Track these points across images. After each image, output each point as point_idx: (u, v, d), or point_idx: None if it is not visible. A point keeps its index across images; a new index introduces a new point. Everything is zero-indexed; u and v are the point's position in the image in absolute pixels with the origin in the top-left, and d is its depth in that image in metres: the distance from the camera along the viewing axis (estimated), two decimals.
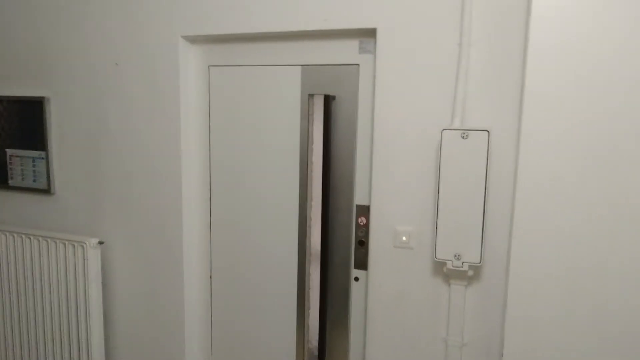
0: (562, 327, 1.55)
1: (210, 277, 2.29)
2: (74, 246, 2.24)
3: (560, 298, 1.54)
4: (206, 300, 2.31)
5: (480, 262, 1.67)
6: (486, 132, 1.62)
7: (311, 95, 2.00)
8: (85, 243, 2.21)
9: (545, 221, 1.53)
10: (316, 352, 2.14)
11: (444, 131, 1.67)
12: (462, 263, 1.70)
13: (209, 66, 2.15)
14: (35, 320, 2.36)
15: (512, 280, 1.57)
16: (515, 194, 1.56)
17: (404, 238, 1.85)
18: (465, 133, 1.65)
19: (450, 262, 1.71)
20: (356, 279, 2.03)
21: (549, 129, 1.49)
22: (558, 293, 1.54)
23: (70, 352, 2.30)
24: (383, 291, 1.90)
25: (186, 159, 2.18)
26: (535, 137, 1.51)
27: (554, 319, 1.56)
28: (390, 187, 1.85)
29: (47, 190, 2.42)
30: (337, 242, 2.05)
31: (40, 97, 2.36)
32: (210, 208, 2.24)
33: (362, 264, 2.01)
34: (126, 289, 2.35)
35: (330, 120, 1.99)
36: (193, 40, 2.13)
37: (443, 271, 1.79)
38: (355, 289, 2.04)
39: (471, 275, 1.74)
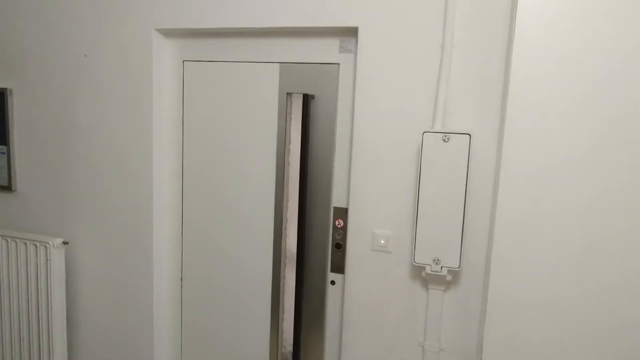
0: (542, 332, 1.54)
1: (181, 279, 2.21)
2: (36, 246, 2.13)
3: (541, 303, 1.53)
4: (176, 303, 2.23)
5: (459, 267, 1.65)
6: (467, 136, 1.60)
7: (289, 94, 1.96)
8: (48, 243, 2.10)
9: (527, 226, 1.52)
10: (290, 357, 2.09)
11: (425, 134, 1.64)
12: (441, 268, 1.68)
13: (183, 61, 2.08)
14: None
15: (492, 285, 1.56)
16: (497, 197, 1.55)
17: (382, 241, 1.82)
18: (446, 136, 1.62)
19: (429, 266, 1.69)
20: (332, 282, 1.99)
21: (532, 133, 1.48)
22: (539, 298, 1.53)
23: (30, 358, 2.19)
24: (360, 295, 1.87)
25: (158, 156, 2.09)
26: (518, 141, 1.49)
27: (534, 324, 1.55)
28: (369, 190, 1.81)
29: (7, 187, 2.29)
30: (314, 245, 2.00)
31: (2, 89, 2.24)
32: (182, 208, 2.16)
33: (338, 267, 1.97)
34: (92, 291, 2.25)
35: (309, 119, 1.94)
36: (167, 33, 2.05)
37: (421, 276, 1.76)
38: (332, 293, 1.99)
39: (449, 280, 1.72)
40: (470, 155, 1.62)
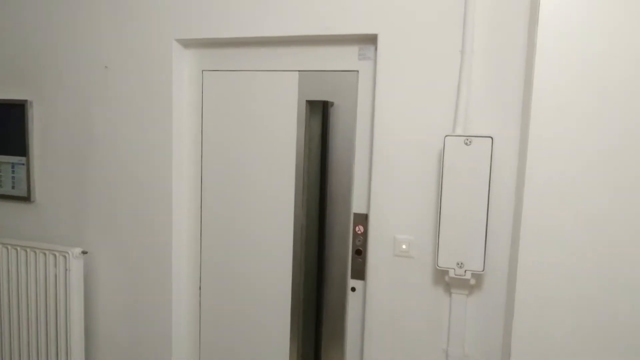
0: (569, 331, 1.53)
1: (200, 289, 2.20)
2: (55, 256, 2.13)
3: (569, 307, 1.52)
4: (195, 313, 2.22)
5: (483, 270, 1.65)
6: (489, 139, 1.61)
7: (309, 102, 1.98)
8: (67, 253, 2.11)
9: (554, 228, 1.51)
10: None
11: (447, 137, 1.65)
12: (465, 271, 1.67)
13: (202, 71, 2.10)
14: (11, 334, 2.23)
15: (520, 285, 1.55)
16: (522, 200, 1.55)
17: (404, 247, 1.82)
18: (468, 139, 1.63)
19: (453, 270, 1.68)
20: (353, 289, 1.98)
21: (556, 135, 1.49)
22: (567, 302, 1.52)
23: None
24: (381, 302, 1.86)
25: (177, 166, 2.11)
26: (543, 143, 1.50)
27: (560, 324, 1.54)
28: (390, 195, 1.82)
29: (27, 198, 2.31)
30: (334, 252, 2.00)
31: (23, 100, 2.27)
32: (201, 217, 2.16)
33: (359, 273, 1.97)
34: (110, 301, 2.25)
35: (328, 126, 1.96)
36: (187, 44, 2.09)
37: (444, 280, 1.76)
38: (352, 300, 1.99)
39: (473, 284, 1.71)
40: (492, 158, 1.63)
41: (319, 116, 1.97)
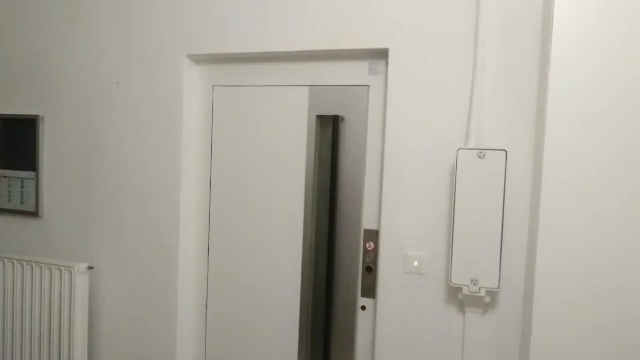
0: (588, 349, 1.47)
1: (206, 307, 2.16)
2: (60, 271, 2.11)
3: (589, 327, 1.46)
4: (200, 332, 2.17)
5: (498, 287, 1.60)
6: (503, 152, 1.58)
7: (319, 117, 1.96)
8: (73, 268, 2.08)
9: (571, 243, 1.47)
10: None
11: (460, 150, 1.62)
12: (479, 288, 1.62)
13: (213, 86, 2.10)
14: (13, 349, 2.18)
15: (537, 302, 1.49)
16: (538, 213, 1.51)
17: (416, 263, 1.77)
18: (481, 152, 1.60)
19: (467, 287, 1.63)
20: (363, 307, 1.93)
21: (573, 144, 1.46)
22: (588, 321, 1.46)
23: None
24: (392, 320, 1.80)
25: (185, 184, 2.09)
26: (558, 153, 1.47)
27: (582, 349, 1.47)
28: (401, 210, 1.78)
29: (35, 213, 2.30)
30: (343, 269, 1.96)
31: (34, 116, 2.28)
32: (209, 233, 2.14)
33: (369, 291, 1.91)
34: (115, 318, 2.20)
35: (339, 141, 1.94)
36: (198, 59, 2.09)
37: (458, 298, 1.70)
38: (362, 319, 1.93)
39: (487, 302, 1.66)
40: (506, 171, 1.60)
41: (329, 131, 1.96)
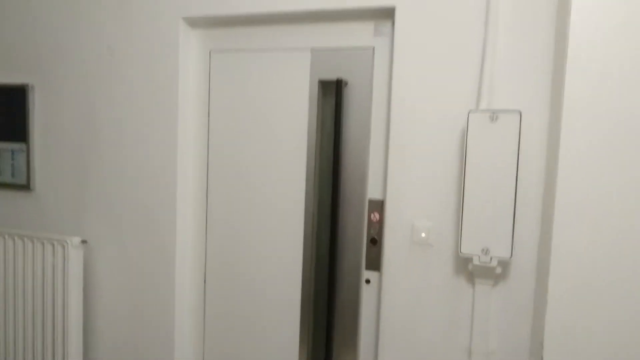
0: (610, 331, 1.39)
1: (205, 282, 2.08)
2: (53, 245, 2.03)
3: (608, 297, 1.38)
4: (199, 307, 2.10)
5: (510, 257, 1.51)
6: (518, 113, 1.49)
7: (321, 82, 1.87)
8: (66, 242, 2.00)
9: (592, 206, 1.38)
10: None
11: (471, 113, 1.53)
12: (491, 258, 1.54)
13: (210, 51, 2.00)
14: (6, 325, 2.12)
15: (554, 273, 1.41)
16: (555, 177, 1.42)
17: (423, 234, 1.69)
18: (494, 115, 1.51)
19: (477, 257, 1.55)
20: (367, 281, 1.85)
21: (594, 101, 1.36)
22: (606, 291, 1.38)
23: None
24: (398, 294, 1.72)
25: (182, 152, 2.00)
26: (578, 112, 1.38)
27: (600, 322, 1.40)
28: (408, 179, 1.69)
29: (26, 186, 2.21)
30: (347, 241, 1.88)
31: (24, 84, 2.18)
32: (207, 205, 2.05)
33: (374, 264, 1.83)
34: (110, 293, 2.13)
35: (342, 107, 1.85)
36: (194, 23, 1.99)
37: (467, 269, 1.62)
38: (367, 293, 1.85)
39: (499, 272, 1.58)
40: (520, 134, 1.50)
41: (332, 96, 1.86)
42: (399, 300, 1.73)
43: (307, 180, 1.90)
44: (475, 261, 1.55)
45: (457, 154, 1.64)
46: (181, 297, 2.06)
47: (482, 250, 1.54)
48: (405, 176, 1.70)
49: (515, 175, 1.50)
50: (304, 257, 1.92)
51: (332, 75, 1.85)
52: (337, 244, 1.88)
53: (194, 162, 2.06)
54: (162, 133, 1.99)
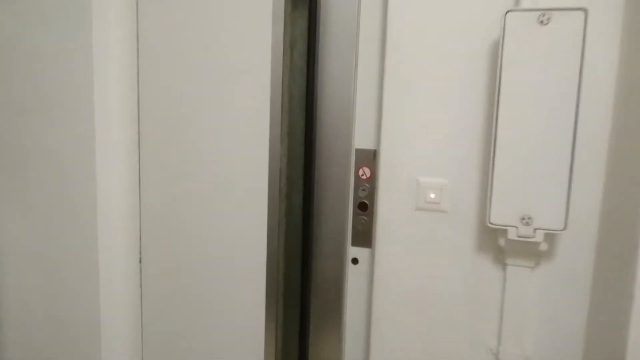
0: None
1: (140, 262, 1.58)
2: None
3: None
4: (134, 292, 1.59)
5: (564, 228, 1.03)
6: (581, 12, 0.98)
7: None
8: None
9: None
10: None
11: (509, 14, 1.02)
12: (534, 230, 1.06)
13: None
14: None
15: None
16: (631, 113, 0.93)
17: (432, 195, 1.20)
18: (544, 15, 1.00)
19: (515, 229, 1.07)
20: (355, 261, 1.37)
21: None
22: None
23: None
24: (397, 277, 1.25)
25: (101, 91, 1.45)
26: None
27: None
28: (411, 119, 1.19)
29: None
30: (326, 207, 1.38)
31: None
32: (140, 156, 1.53)
33: (363, 238, 1.35)
34: (19, 274, 1.61)
35: (318, 23, 1.32)
36: None
37: (497, 245, 1.14)
38: (353, 276, 1.37)
39: (544, 250, 1.10)
40: (584, 45, 1.00)
41: (305, 9, 1.33)
42: (398, 285, 1.26)
43: (272, 125, 1.38)
44: (511, 235, 1.07)
45: (485, 76, 1.14)
46: (108, 281, 1.55)
47: (522, 219, 1.06)
48: (408, 115, 1.20)
49: (575, 108, 1.01)
50: (269, 229, 1.42)
51: None
52: (313, 211, 1.38)
53: (120, 104, 1.51)
54: (76, 74, 1.43)
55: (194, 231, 1.47)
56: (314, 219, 1.38)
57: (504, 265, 1.16)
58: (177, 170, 1.47)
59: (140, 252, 1.58)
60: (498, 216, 1.07)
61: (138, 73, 1.48)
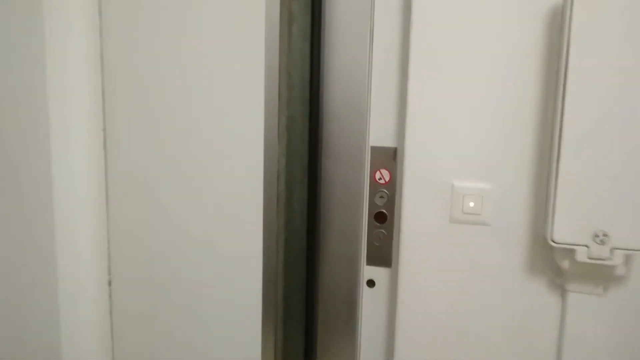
0: None
1: (110, 284, 1.32)
2: None
3: None
4: (102, 320, 1.34)
5: None
6: None
7: None
8: None
9: None
10: None
11: None
12: (611, 250, 0.83)
13: None
14: None
15: None
16: None
17: (472, 204, 0.96)
18: None
19: (585, 248, 0.84)
20: (370, 283, 1.13)
21: None
22: None
23: None
24: (425, 305, 1.02)
25: (54, 83, 1.19)
26: None
27: None
28: (444, 108, 0.96)
29: None
30: (335, 218, 1.14)
31: None
32: (106, 159, 1.27)
33: (381, 255, 1.11)
34: None
35: (323, 9, 1.08)
36: None
37: (558, 267, 0.91)
38: (369, 302, 1.13)
39: (621, 274, 0.87)
40: None
41: None
42: (428, 317, 1.02)
43: (267, 118, 1.13)
44: (580, 256, 0.84)
45: (545, 52, 0.90)
46: (68, 306, 1.29)
47: (595, 236, 0.83)
48: (440, 102, 0.96)
49: None
50: (265, 243, 1.17)
51: None
52: (319, 223, 1.14)
53: (79, 83, 1.25)
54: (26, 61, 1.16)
55: (171, 253, 1.22)
56: (320, 233, 1.14)
57: (563, 291, 0.93)
58: (150, 176, 1.21)
59: (109, 274, 1.31)
60: (563, 232, 0.84)
61: (102, 57, 1.22)
